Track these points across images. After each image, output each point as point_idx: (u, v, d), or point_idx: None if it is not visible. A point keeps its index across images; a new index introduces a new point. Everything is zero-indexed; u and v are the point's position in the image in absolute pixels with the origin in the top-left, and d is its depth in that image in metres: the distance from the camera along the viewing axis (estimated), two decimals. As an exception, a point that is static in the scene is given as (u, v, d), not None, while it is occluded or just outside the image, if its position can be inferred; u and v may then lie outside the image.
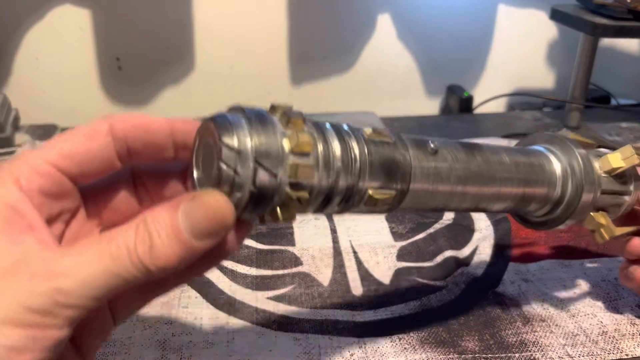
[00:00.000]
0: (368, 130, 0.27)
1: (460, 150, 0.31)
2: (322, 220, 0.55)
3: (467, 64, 0.94)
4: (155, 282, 0.24)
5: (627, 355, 0.38)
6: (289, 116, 0.24)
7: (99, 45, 0.83)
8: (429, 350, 0.38)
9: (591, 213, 0.36)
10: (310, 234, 0.52)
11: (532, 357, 0.38)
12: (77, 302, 0.21)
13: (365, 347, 0.38)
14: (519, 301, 0.43)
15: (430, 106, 0.96)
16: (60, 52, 0.82)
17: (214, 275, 0.46)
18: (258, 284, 0.45)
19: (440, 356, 0.38)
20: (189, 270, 0.25)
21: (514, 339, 0.39)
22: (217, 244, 0.23)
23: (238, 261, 0.48)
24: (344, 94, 0.92)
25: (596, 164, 0.36)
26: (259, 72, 0.88)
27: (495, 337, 0.40)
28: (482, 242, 0.51)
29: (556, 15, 0.77)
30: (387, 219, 0.55)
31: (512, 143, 0.72)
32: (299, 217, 0.54)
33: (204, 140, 0.25)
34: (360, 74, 0.91)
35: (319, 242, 0.51)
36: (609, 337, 0.40)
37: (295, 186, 0.24)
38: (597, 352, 0.38)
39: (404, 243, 0.51)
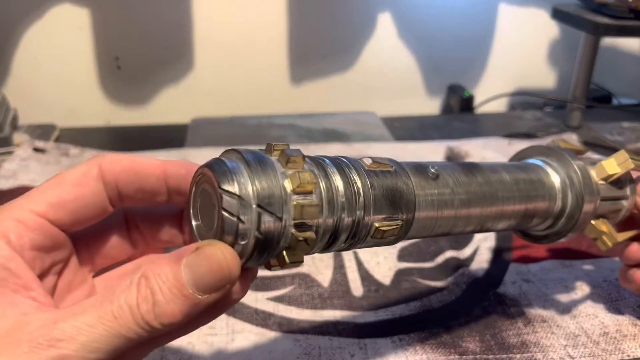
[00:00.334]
0: (367, 161, 0.27)
1: (460, 172, 0.31)
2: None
3: (467, 63, 0.94)
4: (156, 336, 0.23)
5: (628, 356, 0.38)
6: (288, 155, 0.23)
7: (97, 44, 0.83)
8: (430, 351, 0.38)
9: (592, 222, 0.36)
10: (310, 234, 0.52)
11: (533, 358, 0.37)
12: None
13: (365, 348, 0.38)
14: (520, 302, 0.43)
15: (430, 106, 0.95)
16: (59, 52, 0.82)
17: (213, 276, 0.45)
18: (258, 284, 0.45)
19: (441, 357, 0.37)
20: (192, 322, 0.24)
21: (515, 340, 0.39)
22: (223, 296, 0.23)
23: (237, 261, 0.47)
24: (344, 94, 0.91)
25: (592, 172, 0.36)
26: (259, 72, 0.88)
27: (497, 337, 0.39)
28: (483, 243, 0.51)
29: (557, 14, 0.76)
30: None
31: (513, 143, 0.72)
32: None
33: (200, 187, 0.24)
34: (360, 73, 0.91)
35: (319, 243, 0.51)
36: (611, 338, 0.39)
37: (300, 227, 0.23)
38: (598, 353, 0.38)
39: (404, 244, 0.51)
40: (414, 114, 0.91)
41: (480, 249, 0.50)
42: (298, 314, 0.41)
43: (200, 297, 0.21)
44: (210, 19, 0.83)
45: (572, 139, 0.73)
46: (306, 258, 0.49)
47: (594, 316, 0.42)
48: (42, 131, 0.74)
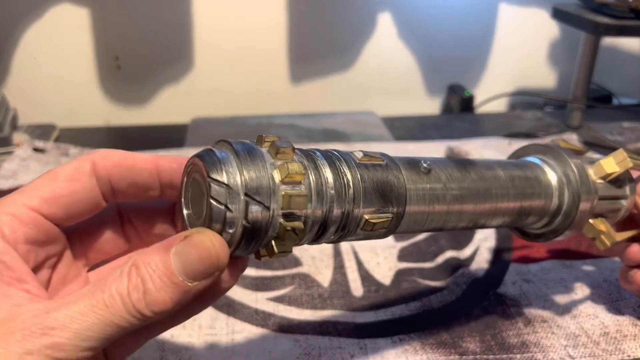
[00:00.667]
0: (359, 154, 0.27)
1: (454, 168, 0.31)
2: (322, 220, 0.54)
3: (468, 63, 0.94)
4: (149, 325, 0.23)
5: (628, 356, 0.38)
6: (277, 146, 0.24)
7: (97, 44, 0.82)
8: (430, 352, 0.38)
9: (590, 221, 0.36)
10: (310, 234, 0.52)
11: (533, 358, 0.37)
12: (73, 355, 0.21)
13: (365, 349, 0.38)
14: (520, 302, 0.43)
15: (431, 106, 0.95)
16: (59, 52, 0.82)
17: (213, 276, 0.45)
18: (258, 284, 0.45)
19: (441, 357, 0.37)
20: (184, 311, 0.24)
21: (516, 340, 0.39)
22: (212, 284, 0.23)
23: (237, 261, 0.47)
24: (344, 94, 0.91)
25: (590, 171, 0.36)
26: (259, 72, 0.88)
27: (497, 338, 0.39)
28: (483, 243, 0.51)
29: (558, 14, 0.76)
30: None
31: (513, 143, 0.72)
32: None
33: (191, 177, 0.24)
34: (360, 73, 0.90)
35: (319, 243, 0.50)
36: (611, 338, 0.39)
37: (288, 217, 0.23)
38: (598, 353, 0.38)
39: (404, 244, 0.51)
40: (414, 113, 0.91)
41: (481, 249, 0.50)
42: (298, 314, 0.41)
43: (190, 284, 0.22)
44: (210, 19, 0.83)
45: (573, 139, 0.73)
46: (306, 258, 0.49)
47: (594, 316, 0.41)
48: (42, 131, 0.74)
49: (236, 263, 0.25)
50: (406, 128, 0.79)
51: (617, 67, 0.95)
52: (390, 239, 0.51)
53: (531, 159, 0.36)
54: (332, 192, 0.25)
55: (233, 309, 0.42)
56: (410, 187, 0.28)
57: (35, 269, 0.24)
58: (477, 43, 0.93)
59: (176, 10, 0.82)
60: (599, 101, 0.88)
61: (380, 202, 0.27)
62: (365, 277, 0.46)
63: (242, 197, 0.22)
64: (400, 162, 0.29)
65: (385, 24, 0.88)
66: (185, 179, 0.24)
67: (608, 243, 0.36)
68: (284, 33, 0.86)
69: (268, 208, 0.23)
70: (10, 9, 0.79)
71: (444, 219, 0.30)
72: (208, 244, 0.22)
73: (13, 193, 0.24)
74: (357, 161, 0.27)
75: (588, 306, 0.43)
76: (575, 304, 0.43)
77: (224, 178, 0.22)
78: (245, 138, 0.25)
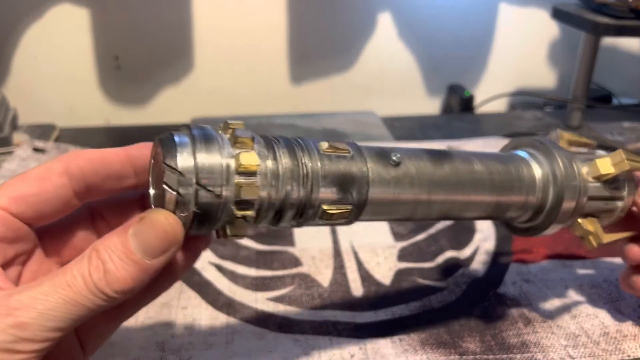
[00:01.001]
0: (324, 145, 0.28)
1: (427, 160, 0.31)
2: (322, 220, 0.54)
3: (468, 63, 0.94)
4: (116, 308, 0.24)
5: (628, 356, 0.38)
6: (236, 136, 0.24)
7: (97, 44, 0.82)
8: (430, 351, 0.38)
9: (579, 220, 0.35)
10: (310, 234, 0.52)
11: (533, 358, 0.37)
12: (39, 335, 0.21)
13: (365, 348, 0.38)
14: (520, 302, 0.43)
15: (431, 106, 0.95)
16: (59, 52, 0.82)
17: (213, 276, 0.45)
18: (258, 284, 0.45)
19: (441, 357, 0.37)
20: (150, 289, 0.25)
21: (516, 340, 0.39)
22: (171, 260, 0.24)
23: (237, 262, 0.47)
24: (344, 94, 0.91)
25: (584, 169, 0.35)
26: (259, 72, 0.88)
27: (497, 338, 0.39)
28: (483, 243, 0.51)
29: (557, 14, 0.76)
30: (388, 219, 0.55)
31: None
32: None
33: (154, 159, 0.25)
34: (360, 73, 0.90)
35: (319, 243, 0.50)
36: (611, 338, 0.39)
37: (240, 204, 0.24)
38: (598, 353, 0.38)
39: (404, 243, 0.51)
40: (414, 113, 0.91)
41: (481, 249, 0.50)
42: (298, 314, 0.41)
43: (148, 262, 0.23)
44: (211, 19, 0.83)
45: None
46: (306, 258, 0.49)
47: (594, 316, 0.41)
48: (42, 131, 0.74)
49: (196, 243, 0.26)
50: (406, 128, 0.79)
51: (617, 67, 0.95)
52: (390, 239, 0.51)
53: (520, 152, 0.36)
54: (289, 180, 0.26)
55: (233, 309, 0.42)
56: (375, 180, 0.29)
57: (5, 265, 0.25)
58: (477, 43, 0.93)
59: (176, 10, 0.82)
60: (599, 101, 0.88)
61: (339, 193, 0.28)
62: (365, 277, 0.46)
63: (194, 184, 0.23)
64: (369, 153, 0.29)
65: (385, 24, 0.88)
66: (152, 161, 0.26)
67: (594, 244, 0.36)
68: (284, 33, 0.86)
69: (219, 196, 0.24)
70: (10, 9, 0.79)
71: (411, 211, 0.31)
72: (163, 221, 0.23)
73: None
74: (321, 152, 0.27)
75: (588, 306, 0.43)
76: (575, 304, 0.43)
77: (177, 164, 0.23)
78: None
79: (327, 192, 0.27)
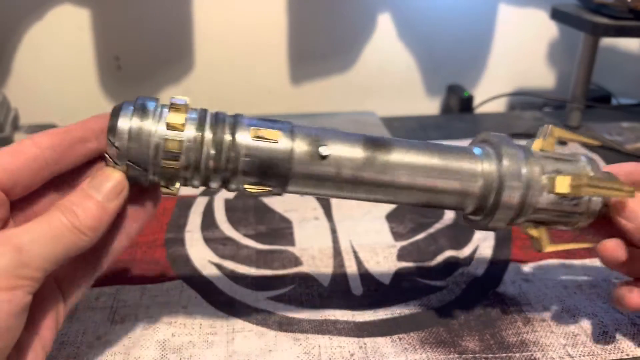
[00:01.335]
0: (254, 132, 0.31)
1: (361, 152, 0.32)
2: (321, 220, 0.54)
3: (467, 63, 0.94)
4: (90, 255, 0.30)
5: (627, 355, 0.38)
6: (172, 102, 0.30)
7: (98, 44, 0.83)
8: (429, 350, 0.38)
9: (525, 223, 0.36)
10: (310, 234, 0.52)
11: (532, 357, 0.38)
12: (37, 263, 0.25)
13: (365, 347, 0.38)
14: (519, 301, 0.43)
15: (430, 106, 0.96)
16: (60, 52, 0.82)
17: (213, 276, 0.46)
18: (258, 284, 0.45)
19: (441, 356, 0.38)
20: (117, 236, 0.31)
21: (515, 339, 0.39)
22: (124, 203, 0.30)
23: (238, 261, 0.48)
24: (344, 94, 0.91)
25: (543, 178, 0.34)
26: (259, 72, 0.88)
27: (496, 337, 0.39)
28: (482, 242, 0.51)
29: (557, 14, 0.77)
30: (387, 219, 0.55)
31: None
32: (297, 217, 0.54)
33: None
34: (360, 73, 0.91)
35: (319, 242, 0.51)
36: (610, 337, 0.39)
37: (166, 156, 0.29)
38: (597, 352, 0.38)
39: (404, 243, 0.51)
40: (413, 114, 0.91)
41: (480, 249, 0.50)
42: (298, 313, 0.41)
43: (107, 204, 0.29)
44: (211, 19, 0.83)
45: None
46: (306, 257, 0.49)
47: (593, 315, 0.42)
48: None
49: (151, 193, 0.33)
50: (406, 128, 0.80)
51: (616, 68, 0.95)
52: (390, 239, 0.51)
53: (475, 148, 0.36)
54: (211, 148, 0.30)
55: (233, 309, 0.42)
56: (297, 170, 0.31)
57: None
58: (476, 43, 0.93)
59: (177, 10, 0.82)
60: (598, 101, 0.89)
61: (259, 177, 0.31)
62: (365, 276, 0.46)
63: (126, 140, 0.29)
64: (301, 141, 0.31)
65: (385, 24, 0.88)
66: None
67: (539, 249, 0.36)
68: (284, 33, 0.86)
69: (147, 149, 0.29)
70: (11, 9, 0.79)
71: (335, 195, 0.33)
72: (110, 170, 0.29)
73: None
74: (252, 135, 0.30)
75: (587, 305, 0.43)
76: (574, 303, 0.43)
77: (116, 124, 0.29)
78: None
79: (246, 174, 0.31)
